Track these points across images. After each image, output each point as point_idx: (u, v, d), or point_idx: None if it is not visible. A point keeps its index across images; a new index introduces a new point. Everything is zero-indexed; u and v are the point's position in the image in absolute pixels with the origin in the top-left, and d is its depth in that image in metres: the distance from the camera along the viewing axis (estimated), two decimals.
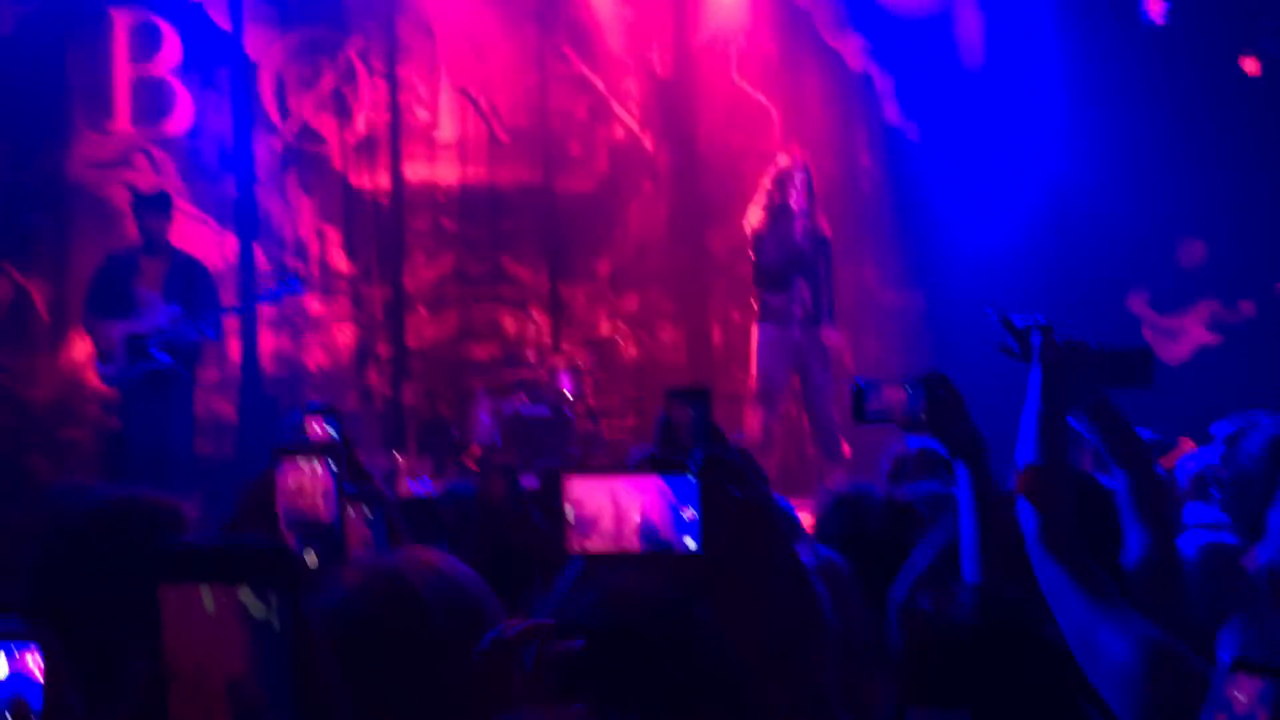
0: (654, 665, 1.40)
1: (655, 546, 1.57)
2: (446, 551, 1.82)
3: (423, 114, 7.89)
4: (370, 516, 1.89)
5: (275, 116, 7.60)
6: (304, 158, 7.66)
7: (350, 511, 1.84)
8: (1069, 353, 2.00)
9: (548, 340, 7.82)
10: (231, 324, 6.96)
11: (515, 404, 7.12)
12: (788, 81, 8.20)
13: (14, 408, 7.03)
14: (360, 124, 7.75)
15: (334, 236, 7.70)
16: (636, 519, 1.58)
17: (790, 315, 6.42)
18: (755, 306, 6.59)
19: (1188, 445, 3.42)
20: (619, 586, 1.48)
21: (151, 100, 7.38)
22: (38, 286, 7.16)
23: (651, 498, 1.58)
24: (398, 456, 6.82)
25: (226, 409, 7.20)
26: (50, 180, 7.19)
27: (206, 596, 0.86)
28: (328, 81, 7.71)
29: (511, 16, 7.98)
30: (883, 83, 8.14)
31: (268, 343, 7.34)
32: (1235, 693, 1.07)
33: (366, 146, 7.76)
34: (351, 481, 1.93)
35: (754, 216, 6.53)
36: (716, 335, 8.16)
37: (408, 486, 6.09)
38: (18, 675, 1.42)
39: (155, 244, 6.31)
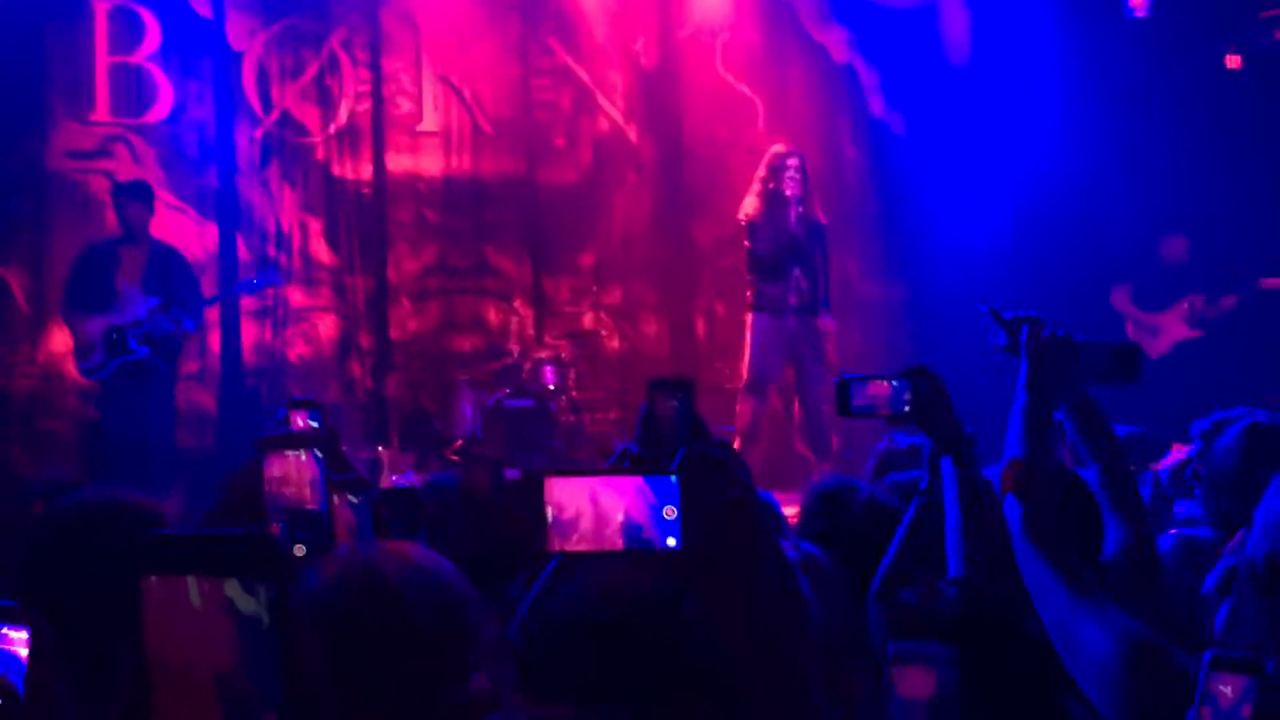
0: (636, 659, 1.39)
1: (637, 546, 1.57)
2: (428, 543, 1.81)
3: (406, 105, 7.86)
4: (356, 502, 1.88)
5: (257, 106, 7.55)
6: (286, 148, 7.62)
7: (335, 499, 1.83)
8: (1058, 347, 2.01)
9: (531, 332, 7.81)
10: (212, 315, 6.92)
11: (498, 396, 7.11)
12: (772, 74, 8.20)
13: None
14: (343, 114, 7.71)
15: (316, 227, 7.66)
16: (617, 519, 1.58)
17: (785, 304, 6.40)
18: (750, 296, 6.57)
19: (1178, 450, 3.44)
20: (599, 581, 1.48)
21: (132, 89, 7.32)
22: (16, 277, 7.11)
23: (632, 498, 1.58)
24: (380, 449, 6.80)
25: (207, 400, 7.17)
26: (29, 169, 7.13)
27: (193, 589, 0.85)
28: (310, 71, 7.67)
29: (495, 7, 7.95)
30: (867, 76, 8.15)
31: (249, 334, 7.30)
32: (1220, 687, 1.07)
33: (349, 137, 7.72)
34: (336, 470, 1.93)
35: (749, 205, 6.51)
36: (700, 328, 8.16)
37: (390, 478, 6.07)
38: (4, 654, 1.41)
39: (135, 234, 6.27)
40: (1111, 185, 7.70)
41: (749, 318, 6.58)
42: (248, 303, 7.24)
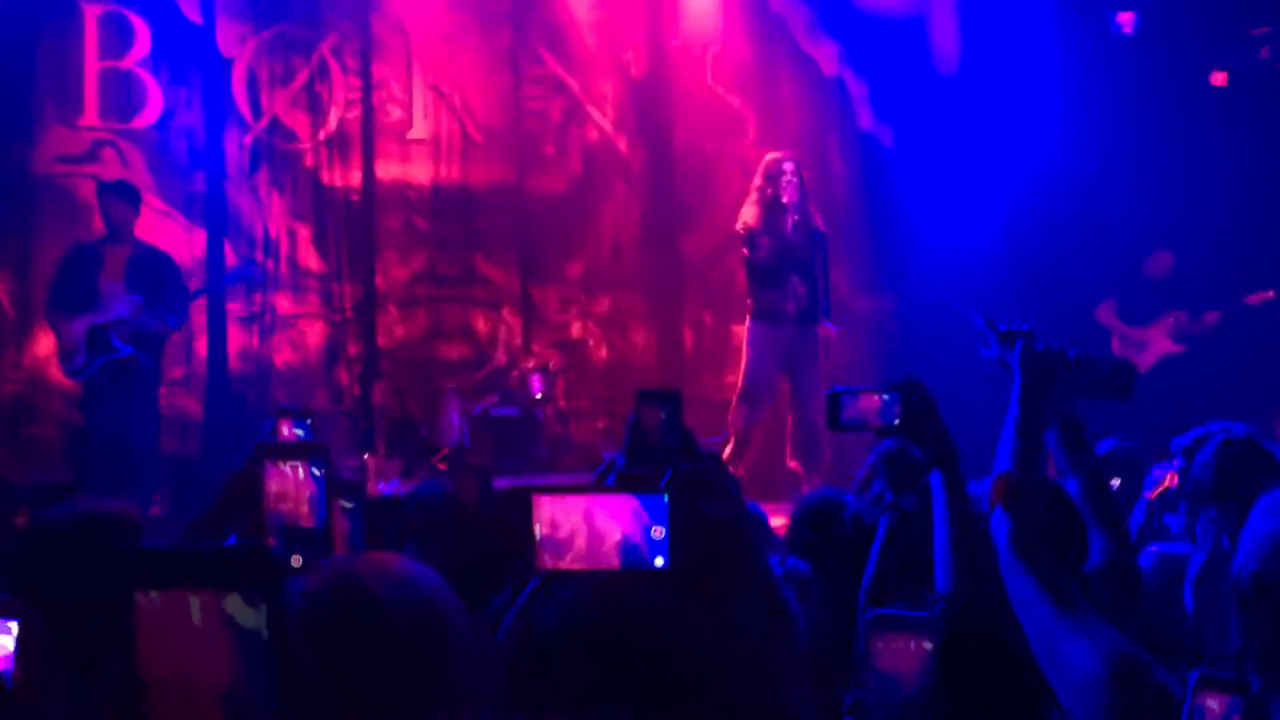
0: (623, 668, 1.40)
1: (633, 565, 1.57)
2: (415, 552, 1.81)
3: (396, 112, 7.86)
4: (349, 507, 1.88)
5: (247, 112, 7.54)
6: (275, 154, 7.61)
7: (333, 505, 1.83)
8: (1053, 362, 2.02)
9: (519, 341, 7.81)
10: (199, 320, 6.90)
11: (485, 404, 7.10)
12: (762, 86, 8.22)
13: None
14: (333, 121, 7.70)
15: (305, 234, 7.65)
16: (613, 539, 1.58)
17: (783, 313, 6.39)
18: (749, 304, 6.56)
19: (1161, 473, 3.47)
20: (586, 591, 1.48)
21: (121, 94, 7.31)
22: (2, 281, 7.08)
23: (627, 518, 1.58)
24: (367, 456, 6.79)
25: (193, 406, 7.14)
26: (17, 173, 7.11)
27: (194, 605, 0.85)
28: (300, 77, 7.67)
29: (486, 16, 7.96)
30: (857, 88, 8.18)
31: (235, 340, 7.28)
32: (1207, 703, 1.08)
33: (339, 143, 7.71)
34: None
35: (748, 213, 6.48)
36: (688, 338, 8.17)
37: (376, 486, 6.06)
38: None
39: (119, 233, 6.24)
40: (1098, 200, 7.75)
41: (746, 325, 6.57)
42: (235, 308, 7.21)
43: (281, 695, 0.83)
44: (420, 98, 7.88)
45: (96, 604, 1.39)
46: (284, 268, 7.55)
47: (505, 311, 7.92)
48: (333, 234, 7.66)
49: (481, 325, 7.90)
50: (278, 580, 0.86)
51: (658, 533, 1.57)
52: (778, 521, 3.03)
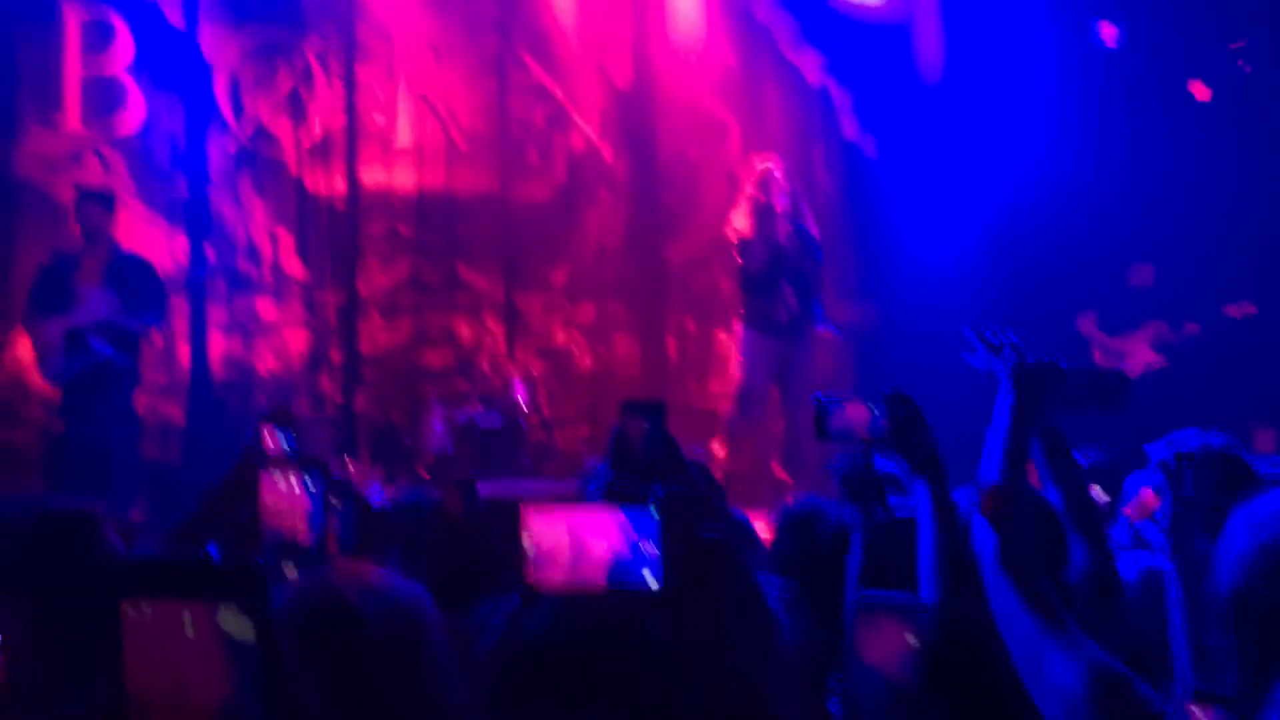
0: (607, 679, 1.39)
1: (616, 582, 1.56)
2: (400, 562, 1.80)
3: (380, 118, 7.84)
4: (339, 508, 1.88)
5: (229, 117, 7.51)
6: (258, 160, 7.58)
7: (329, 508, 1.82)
8: (1044, 374, 2.02)
9: (502, 349, 7.79)
10: (180, 326, 6.87)
11: (468, 413, 7.09)
12: (747, 95, 8.24)
13: None
14: (316, 127, 7.68)
15: (287, 240, 7.62)
16: (600, 557, 1.57)
17: (775, 321, 6.40)
18: (742, 310, 6.56)
19: (1150, 499, 3.47)
20: (570, 602, 1.47)
21: (103, 98, 7.27)
22: None
23: (614, 535, 1.56)
24: (349, 464, 6.76)
25: (175, 413, 7.10)
26: None
27: (186, 619, 0.84)
28: (284, 83, 7.64)
29: (471, 23, 7.95)
30: (841, 98, 8.21)
31: (218, 347, 7.25)
32: (1193, 714, 1.08)
33: (322, 150, 7.69)
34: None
35: (739, 221, 6.48)
36: (672, 347, 8.16)
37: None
38: None
39: (94, 236, 6.21)
40: (1080, 211, 7.78)
41: (738, 333, 6.58)
42: (217, 315, 7.18)
43: (270, 706, 0.82)
44: (405, 104, 7.86)
45: (63, 607, 1.38)
46: (267, 274, 7.52)
47: (489, 319, 7.91)
48: (316, 241, 7.63)
49: (465, 333, 7.88)
50: (267, 592, 0.85)
51: (647, 547, 1.56)
52: (764, 532, 3.03)
